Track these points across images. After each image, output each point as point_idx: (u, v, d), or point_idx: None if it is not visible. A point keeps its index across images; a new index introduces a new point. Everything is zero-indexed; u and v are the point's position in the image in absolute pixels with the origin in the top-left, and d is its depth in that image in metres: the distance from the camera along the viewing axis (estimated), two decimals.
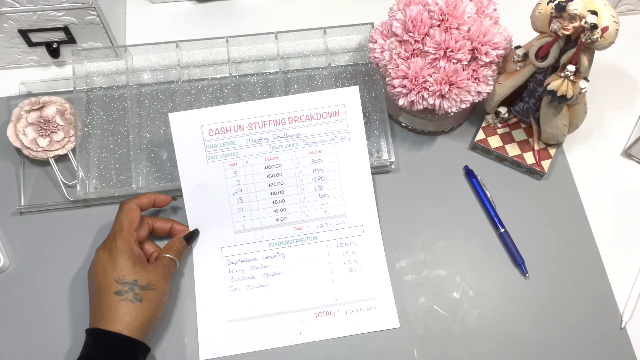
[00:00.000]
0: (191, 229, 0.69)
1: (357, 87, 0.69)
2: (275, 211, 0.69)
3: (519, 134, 0.75)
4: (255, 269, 0.69)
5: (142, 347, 0.60)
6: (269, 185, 0.69)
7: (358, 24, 0.77)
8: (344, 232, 0.70)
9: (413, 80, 0.66)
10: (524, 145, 0.74)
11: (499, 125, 0.75)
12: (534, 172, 0.74)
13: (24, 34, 0.74)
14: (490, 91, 0.69)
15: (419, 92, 0.66)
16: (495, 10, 0.66)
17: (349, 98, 0.69)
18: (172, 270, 0.64)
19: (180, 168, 0.68)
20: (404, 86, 0.66)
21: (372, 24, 0.77)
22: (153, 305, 0.60)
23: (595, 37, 0.58)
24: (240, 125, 0.68)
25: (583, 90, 0.64)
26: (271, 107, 0.68)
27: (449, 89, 0.65)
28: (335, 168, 0.70)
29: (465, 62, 0.65)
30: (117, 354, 0.58)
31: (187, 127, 0.68)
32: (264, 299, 0.68)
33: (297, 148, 0.69)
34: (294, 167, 0.69)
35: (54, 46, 0.76)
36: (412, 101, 0.67)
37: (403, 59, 0.66)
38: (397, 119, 0.77)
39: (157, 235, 0.69)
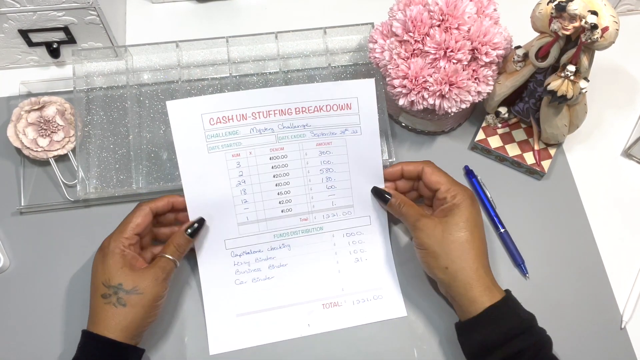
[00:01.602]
0: (191, 217, 0.65)
1: (373, 79, 0.66)
2: (280, 202, 0.68)
3: (519, 134, 0.75)
4: (260, 261, 0.68)
5: (132, 349, 0.59)
6: (274, 176, 0.67)
7: (358, 24, 0.77)
8: (351, 222, 0.69)
9: (413, 80, 0.66)
10: (524, 145, 0.74)
11: (499, 125, 0.75)
12: (534, 172, 0.74)
13: (24, 34, 0.74)
14: (490, 91, 0.69)
15: (419, 92, 0.66)
16: (495, 10, 0.67)
17: (364, 91, 0.66)
18: (169, 272, 0.62)
19: (179, 159, 0.65)
20: (404, 86, 0.66)
21: (372, 24, 0.77)
22: (138, 310, 0.59)
23: (595, 37, 0.58)
24: (243, 115, 0.65)
25: (583, 90, 0.64)
26: (277, 96, 0.65)
27: (449, 89, 0.65)
28: (345, 161, 0.68)
29: (465, 62, 0.65)
30: (102, 356, 0.57)
31: (186, 115, 0.64)
32: (271, 292, 0.67)
33: (304, 139, 0.67)
34: (301, 159, 0.67)
35: (54, 46, 0.76)
36: (412, 101, 0.67)
37: (403, 59, 0.66)
38: (397, 119, 0.77)
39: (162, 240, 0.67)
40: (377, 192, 0.68)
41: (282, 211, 0.68)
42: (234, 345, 0.65)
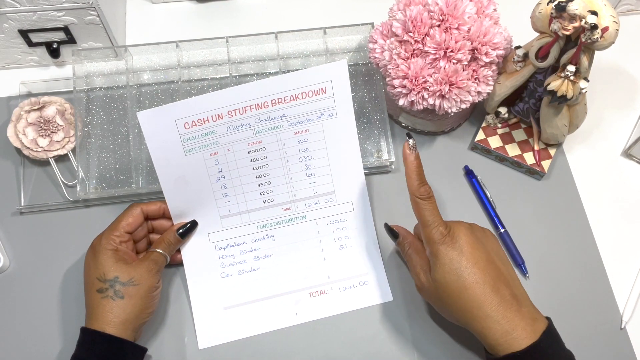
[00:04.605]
0: (175, 221, 0.67)
1: (345, 60, 0.65)
2: (261, 194, 0.68)
3: (519, 134, 0.75)
4: (245, 253, 0.68)
5: (132, 345, 0.59)
6: (253, 169, 0.67)
7: (358, 24, 0.77)
8: (333, 210, 0.70)
9: (413, 81, 0.66)
10: (524, 146, 0.74)
11: (499, 125, 0.75)
12: (534, 172, 0.74)
13: (24, 34, 0.74)
14: (490, 91, 0.69)
15: (419, 92, 0.66)
16: (495, 10, 0.67)
17: (337, 73, 0.65)
18: (161, 265, 0.63)
19: (156, 166, 0.65)
20: (404, 86, 0.66)
21: (372, 24, 0.77)
22: (137, 301, 0.60)
23: (595, 37, 0.58)
24: (219, 114, 0.64)
25: (583, 91, 0.64)
26: (252, 91, 0.64)
27: (449, 89, 0.65)
28: (322, 146, 0.68)
29: (465, 62, 0.65)
30: (101, 352, 0.57)
31: (159, 123, 0.63)
32: (257, 283, 0.68)
33: (281, 130, 0.66)
34: (279, 149, 0.67)
35: (54, 46, 0.76)
36: (412, 101, 0.67)
37: (403, 59, 0.66)
38: (397, 119, 0.77)
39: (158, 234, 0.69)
40: (387, 228, 0.66)
41: (263, 202, 0.68)
42: (222, 339, 0.66)
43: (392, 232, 0.65)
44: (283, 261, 0.69)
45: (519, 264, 0.69)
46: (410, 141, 0.59)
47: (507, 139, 0.75)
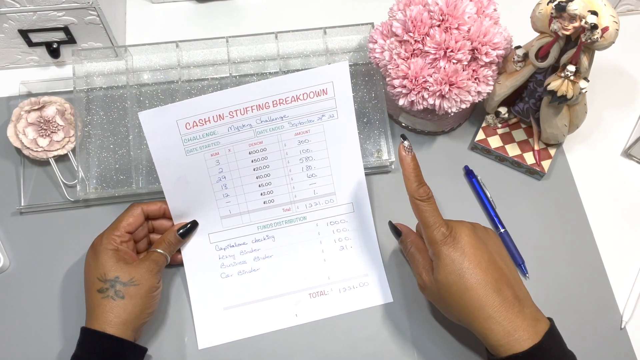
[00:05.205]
0: (175, 221, 0.67)
1: (346, 62, 0.65)
2: (262, 194, 0.68)
3: (519, 134, 0.75)
4: (245, 254, 0.69)
5: (132, 345, 0.59)
6: (254, 169, 0.67)
7: (358, 24, 0.77)
8: (334, 211, 0.70)
9: (413, 81, 0.66)
10: (524, 145, 0.74)
11: (499, 125, 0.75)
12: (534, 172, 0.74)
13: (24, 34, 0.74)
14: (490, 91, 0.69)
15: (419, 92, 0.66)
16: (495, 10, 0.67)
17: (338, 74, 0.65)
18: (161, 265, 0.63)
19: (157, 166, 0.65)
20: (404, 86, 0.66)
21: (372, 24, 0.77)
22: (137, 301, 0.60)
23: (595, 37, 0.58)
24: (220, 115, 0.64)
25: (583, 91, 0.64)
26: (253, 91, 0.64)
27: (449, 89, 0.65)
28: (323, 147, 0.68)
29: (465, 62, 0.65)
30: (102, 352, 0.58)
31: (161, 124, 0.63)
32: (257, 284, 0.68)
33: (282, 131, 0.66)
34: (280, 150, 0.67)
35: (54, 46, 0.76)
36: (412, 101, 0.67)
37: (403, 59, 0.66)
38: (397, 119, 0.77)
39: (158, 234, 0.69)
40: (391, 226, 0.66)
41: (264, 202, 0.68)
42: (222, 339, 0.66)
43: (396, 230, 0.65)
44: (283, 262, 0.69)
45: (519, 264, 0.69)
46: (406, 142, 0.58)
47: (507, 139, 0.75)
